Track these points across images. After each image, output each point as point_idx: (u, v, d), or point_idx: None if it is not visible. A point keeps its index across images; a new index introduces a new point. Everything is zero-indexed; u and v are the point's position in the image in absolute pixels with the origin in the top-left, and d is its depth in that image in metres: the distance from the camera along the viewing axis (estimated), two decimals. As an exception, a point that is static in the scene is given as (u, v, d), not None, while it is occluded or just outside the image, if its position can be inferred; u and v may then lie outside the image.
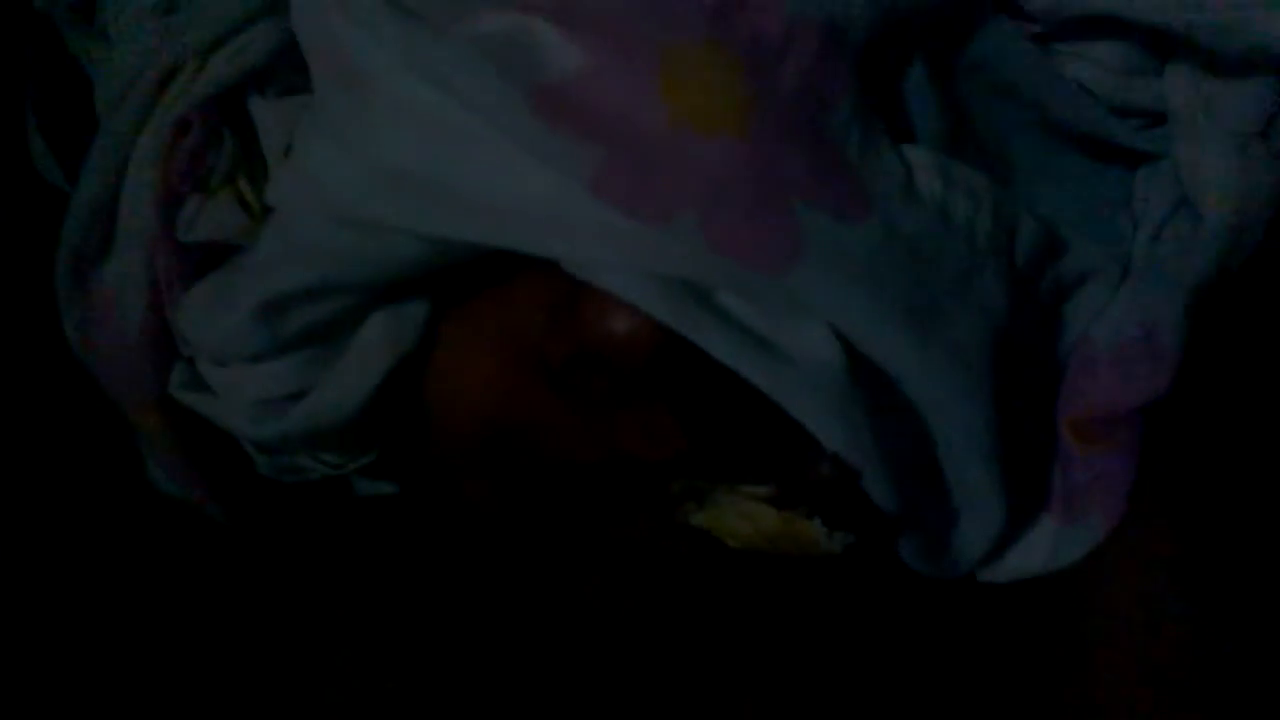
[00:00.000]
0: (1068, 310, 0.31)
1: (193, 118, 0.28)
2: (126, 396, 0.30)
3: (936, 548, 0.29)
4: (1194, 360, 0.30)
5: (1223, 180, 0.29)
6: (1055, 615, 0.33)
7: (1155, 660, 0.31)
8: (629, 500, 0.27)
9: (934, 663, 0.35)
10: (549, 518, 0.28)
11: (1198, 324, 0.30)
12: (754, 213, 0.25)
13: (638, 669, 0.31)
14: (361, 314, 0.28)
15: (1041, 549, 0.31)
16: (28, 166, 0.33)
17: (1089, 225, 0.31)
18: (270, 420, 0.29)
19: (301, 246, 0.27)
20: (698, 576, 0.28)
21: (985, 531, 0.29)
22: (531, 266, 0.26)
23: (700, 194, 0.24)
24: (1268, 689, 0.31)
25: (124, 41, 0.30)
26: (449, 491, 0.30)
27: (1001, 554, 0.31)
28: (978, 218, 0.28)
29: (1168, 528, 0.32)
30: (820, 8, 0.25)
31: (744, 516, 0.27)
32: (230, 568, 0.37)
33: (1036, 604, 0.33)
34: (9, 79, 0.33)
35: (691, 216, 0.24)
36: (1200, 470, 0.33)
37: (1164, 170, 0.31)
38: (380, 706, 0.36)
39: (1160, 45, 0.29)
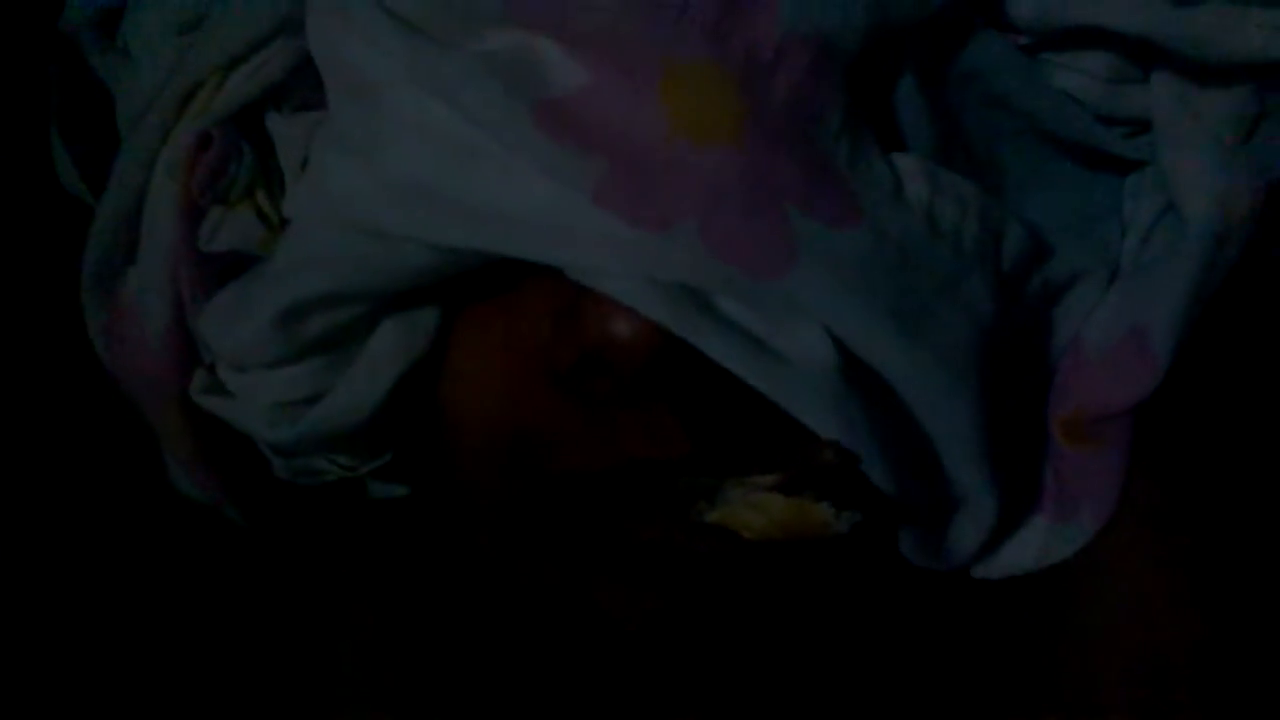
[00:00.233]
0: (1058, 313, 0.31)
1: (213, 133, 0.29)
2: (149, 402, 0.31)
3: (932, 541, 0.30)
4: (1190, 359, 0.30)
5: (1205, 186, 0.29)
6: (1051, 613, 0.33)
7: (1151, 657, 0.31)
8: (640, 503, 0.28)
9: (934, 661, 0.35)
10: (560, 522, 0.29)
11: (1189, 326, 0.30)
12: (750, 220, 0.25)
13: (653, 670, 0.31)
14: (374, 321, 0.29)
15: (1033, 546, 0.32)
16: (53, 182, 0.34)
17: (1079, 230, 0.31)
18: (287, 423, 0.30)
19: (317, 256, 0.28)
20: (715, 574, 0.28)
21: (978, 527, 0.30)
22: (538, 274, 0.27)
23: (698, 203, 0.25)
24: (1266, 686, 0.31)
25: (145, 60, 0.31)
26: (461, 494, 0.31)
27: (995, 550, 0.32)
28: (964, 223, 0.28)
29: (1163, 525, 0.32)
30: (812, 24, 0.26)
31: (755, 508, 0.28)
32: (245, 568, 0.37)
33: (1032, 602, 0.33)
34: (35, 97, 0.34)
35: (690, 224, 0.25)
36: (1195, 466, 0.33)
37: (1151, 176, 0.32)
38: (390, 707, 0.37)
39: (1145, 55, 0.30)
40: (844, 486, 0.27)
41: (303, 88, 0.29)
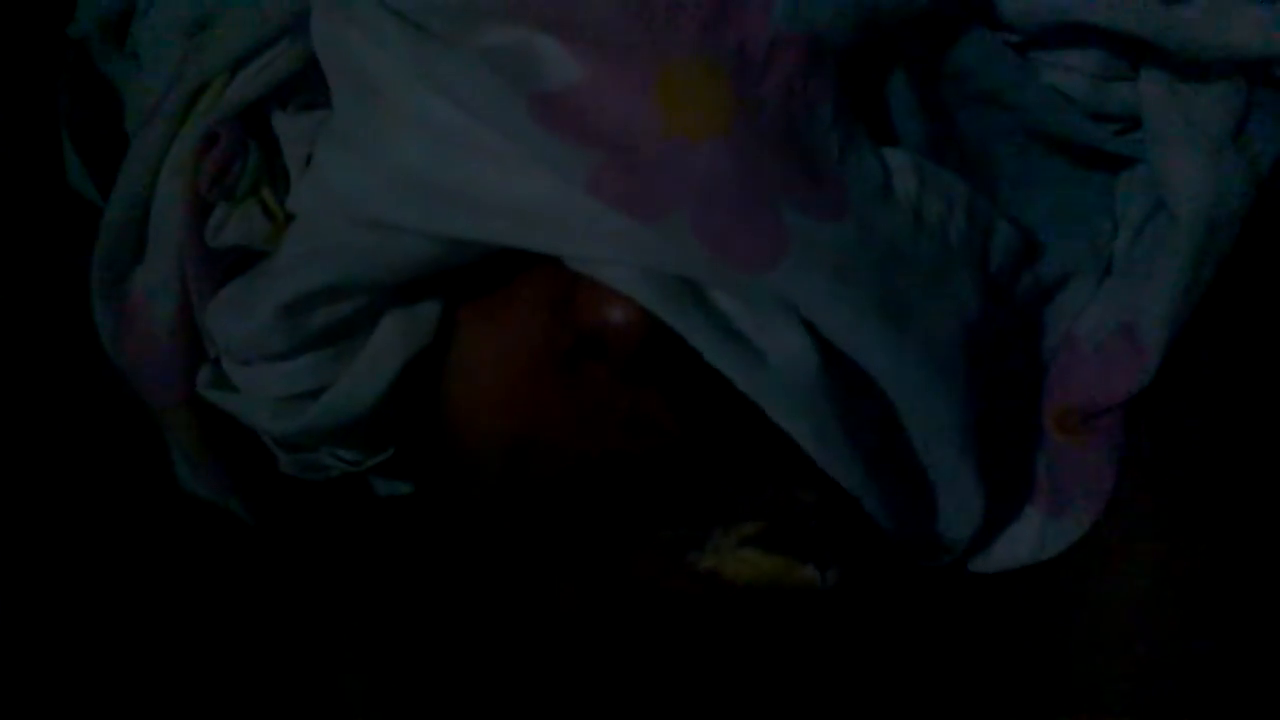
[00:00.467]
0: (1050, 310, 0.32)
1: (220, 131, 0.29)
2: (156, 396, 0.32)
3: (920, 536, 0.30)
4: (1186, 355, 0.31)
5: (1195, 182, 0.30)
6: (1051, 613, 0.33)
7: (1152, 658, 0.32)
8: (634, 542, 0.28)
9: (934, 664, 0.35)
10: (556, 526, 0.29)
11: (1181, 321, 0.30)
12: (741, 212, 0.26)
13: (644, 696, 0.31)
14: (377, 313, 0.29)
15: (1028, 540, 0.32)
16: (63, 183, 0.35)
17: (1070, 228, 0.32)
18: (291, 417, 0.30)
19: (321, 249, 0.28)
20: (703, 615, 0.29)
21: (966, 521, 0.30)
22: (537, 265, 0.27)
23: (690, 194, 0.26)
24: (1257, 684, 0.31)
25: (153, 62, 0.31)
26: (462, 488, 0.31)
27: (989, 545, 0.32)
28: (951, 219, 0.28)
29: (1163, 525, 0.33)
30: (804, 21, 0.26)
31: (742, 560, 0.28)
32: (249, 567, 0.38)
33: (1032, 602, 0.33)
34: (46, 100, 0.35)
35: (682, 216, 0.26)
36: (1194, 466, 0.34)
37: (1143, 173, 0.32)
38: (393, 706, 0.37)
39: (1134, 51, 0.30)
40: (827, 541, 0.28)
41: (308, 86, 0.30)
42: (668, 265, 0.26)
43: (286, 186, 0.30)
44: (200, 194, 0.29)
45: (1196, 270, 0.30)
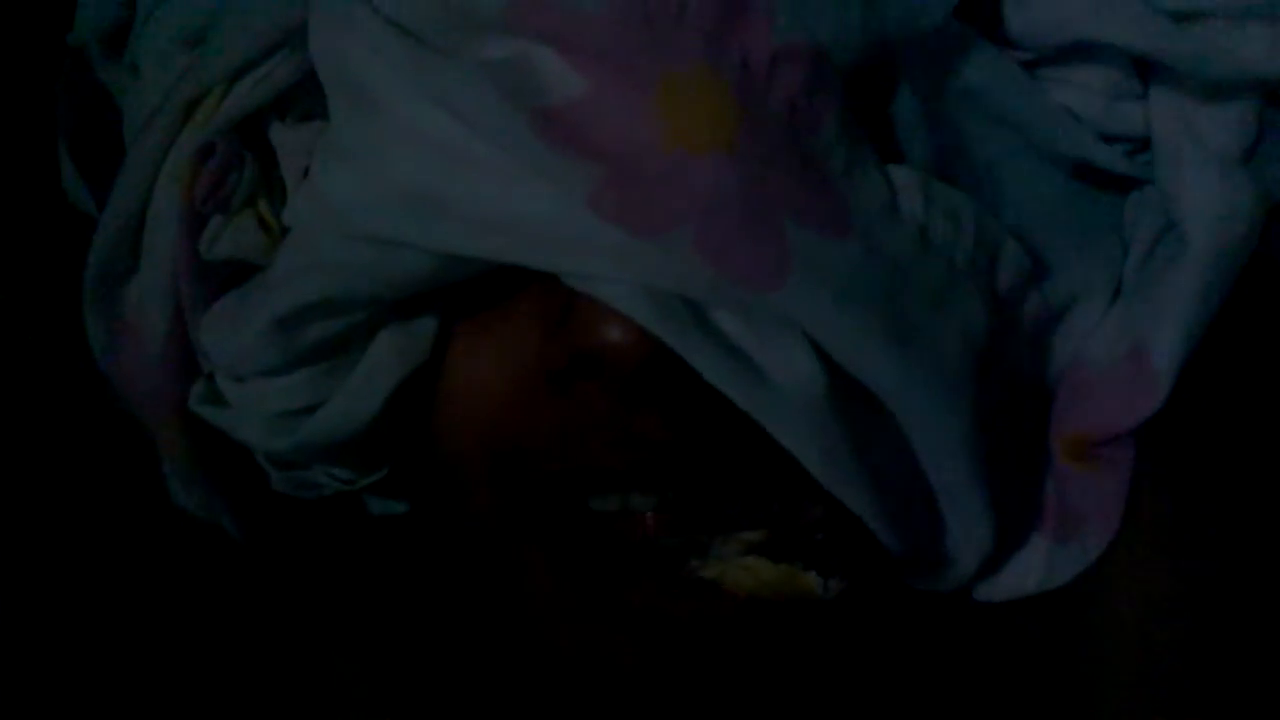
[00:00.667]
0: (1058, 332, 0.31)
1: (216, 142, 0.29)
2: (149, 411, 0.31)
3: (928, 561, 0.29)
4: (1196, 374, 0.30)
5: (1206, 205, 0.29)
6: (1056, 626, 0.33)
7: (1158, 673, 0.31)
8: (628, 560, 0.28)
9: (938, 676, 0.35)
10: (549, 546, 0.29)
11: (1193, 346, 0.30)
12: (745, 229, 0.25)
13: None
14: (373, 329, 0.29)
15: (1035, 568, 0.32)
16: (59, 194, 0.35)
17: (1079, 249, 0.31)
18: (284, 433, 0.30)
19: (316, 263, 0.28)
20: (701, 636, 0.28)
21: (975, 547, 0.29)
22: (534, 281, 0.27)
23: (693, 211, 0.25)
24: (1267, 696, 0.31)
25: (152, 72, 0.31)
26: (454, 505, 0.31)
27: (995, 572, 0.31)
28: (958, 239, 0.28)
29: (1169, 540, 0.32)
30: (808, 35, 0.26)
31: (744, 569, 0.28)
32: (244, 576, 0.37)
33: (1037, 614, 0.33)
34: (43, 110, 0.34)
35: (685, 232, 0.25)
36: (1201, 481, 0.33)
37: (1152, 195, 0.31)
38: (387, 715, 0.37)
39: (1144, 71, 0.30)
40: (831, 551, 0.28)
41: (305, 98, 0.29)
42: (668, 283, 0.25)
43: (283, 199, 0.30)
44: (195, 206, 0.29)
45: (1207, 294, 0.30)
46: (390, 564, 0.38)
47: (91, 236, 0.31)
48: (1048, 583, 0.32)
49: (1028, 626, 0.33)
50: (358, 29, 0.27)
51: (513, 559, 0.30)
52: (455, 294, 0.28)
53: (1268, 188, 0.30)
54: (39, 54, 0.35)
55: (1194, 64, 0.29)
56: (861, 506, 0.26)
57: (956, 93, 0.30)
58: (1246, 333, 0.33)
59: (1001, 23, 0.29)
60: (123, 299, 0.31)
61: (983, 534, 0.29)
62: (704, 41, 0.25)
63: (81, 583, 0.38)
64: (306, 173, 0.29)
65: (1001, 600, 0.32)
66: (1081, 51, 0.29)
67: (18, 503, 0.38)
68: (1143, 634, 0.32)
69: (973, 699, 0.34)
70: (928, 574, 0.30)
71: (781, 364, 0.26)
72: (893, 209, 0.28)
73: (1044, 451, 0.32)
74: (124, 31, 0.33)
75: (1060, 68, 0.30)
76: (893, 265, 0.27)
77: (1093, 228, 0.32)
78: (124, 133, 0.32)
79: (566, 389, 0.27)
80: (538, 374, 0.28)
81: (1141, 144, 0.31)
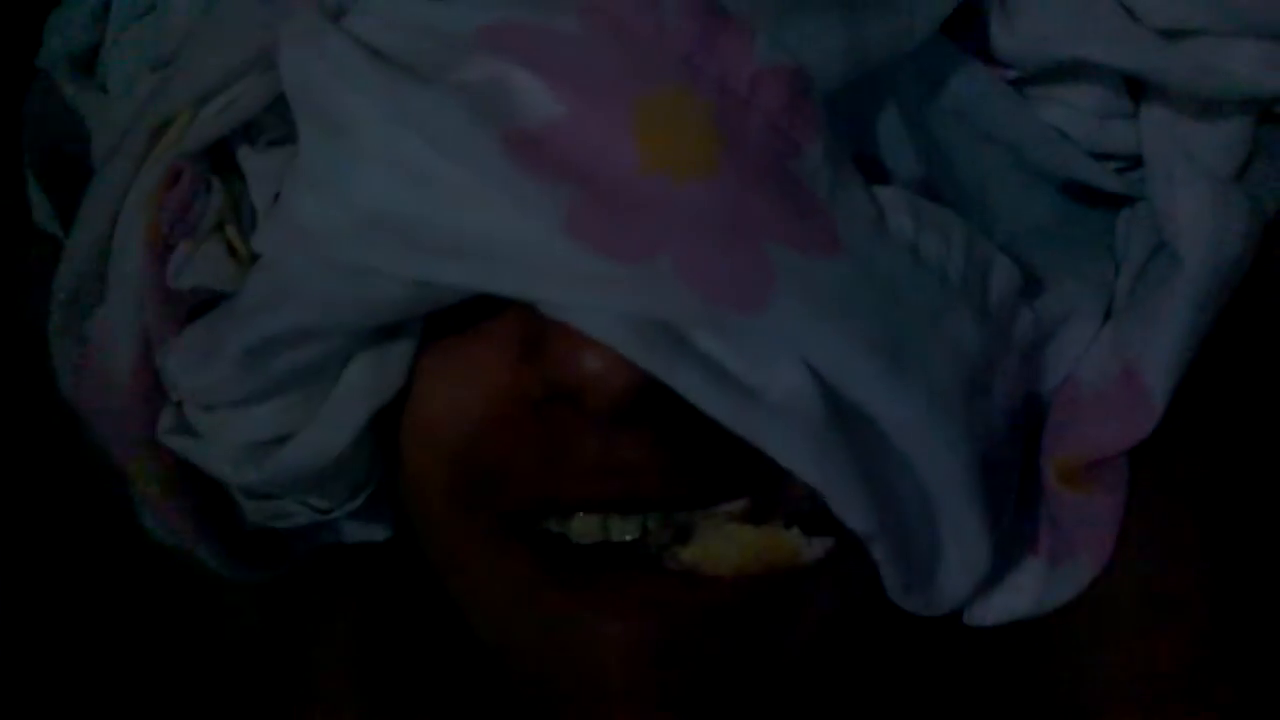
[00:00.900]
0: (1050, 351, 0.31)
1: (183, 167, 0.28)
2: (116, 442, 0.31)
3: (921, 583, 0.29)
4: (1190, 397, 0.30)
5: (1199, 223, 0.29)
6: (1044, 633, 0.33)
7: (1147, 679, 0.31)
8: (607, 551, 0.28)
9: (927, 685, 0.34)
10: (517, 562, 0.28)
11: (1185, 365, 0.29)
12: (726, 252, 0.25)
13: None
14: (345, 357, 0.28)
15: (1029, 590, 0.31)
16: (26, 218, 0.34)
17: (1071, 267, 0.31)
18: (255, 464, 0.29)
19: (287, 291, 0.27)
20: (689, 624, 0.28)
21: (970, 570, 0.29)
22: (510, 306, 0.26)
23: (673, 235, 0.25)
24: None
25: (121, 95, 0.31)
26: (424, 530, 0.30)
27: (988, 595, 0.31)
28: (949, 257, 0.28)
29: (1164, 572, 0.32)
30: (789, 55, 0.26)
31: (726, 539, 0.27)
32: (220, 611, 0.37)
33: (1023, 650, 0.33)
34: (9, 132, 0.34)
35: (664, 257, 0.25)
36: (1199, 510, 0.33)
37: (1144, 212, 0.31)
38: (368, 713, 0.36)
39: (1135, 89, 0.30)
40: (816, 511, 0.27)
41: (276, 122, 0.29)
42: (650, 309, 0.25)
43: (253, 224, 0.30)
44: (162, 233, 0.29)
45: (1201, 312, 0.29)
46: (372, 591, 0.37)
47: (58, 261, 0.30)
48: (1041, 606, 0.31)
49: (1015, 646, 0.33)
50: (328, 51, 0.26)
51: (488, 571, 0.29)
52: (431, 318, 0.28)
53: (1261, 205, 0.30)
54: (6, 75, 0.34)
55: (1185, 82, 0.28)
56: (867, 527, 0.26)
57: (944, 111, 0.29)
58: (1241, 351, 0.32)
59: (989, 41, 0.29)
60: (89, 327, 0.30)
61: (979, 557, 0.29)
62: (683, 63, 0.25)
63: (64, 569, 0.37)
64: (277, 198, 0.29)
65: (993, 624, 0.31)
66: (1071, 70, 0.29)
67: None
68: (1146, 658, 0.31)
69: (959, 695, 0.34)
70: (920, 597, 0.29)
71: (775, 384, 0.25)
72: (881, 228, 0.27)
73: (1035, 471, 0.31)
74: (94, 53, 0.32)
75: (1049, 86, 0.30)
76: (884, 284, 0.27)
77: (1084, 246, 0.31)
78: (93, 157, 0.32)
79: (544, 416, 0.27)
80: (514, 401, 0.27)
81: (1133, 161, 0.31)
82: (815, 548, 0.27)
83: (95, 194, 0.30)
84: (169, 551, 0.33)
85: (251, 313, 0.28)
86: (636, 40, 0.25)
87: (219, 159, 0.29)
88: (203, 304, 0.30)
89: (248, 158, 0.29)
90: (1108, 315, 0.31)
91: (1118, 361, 0.30)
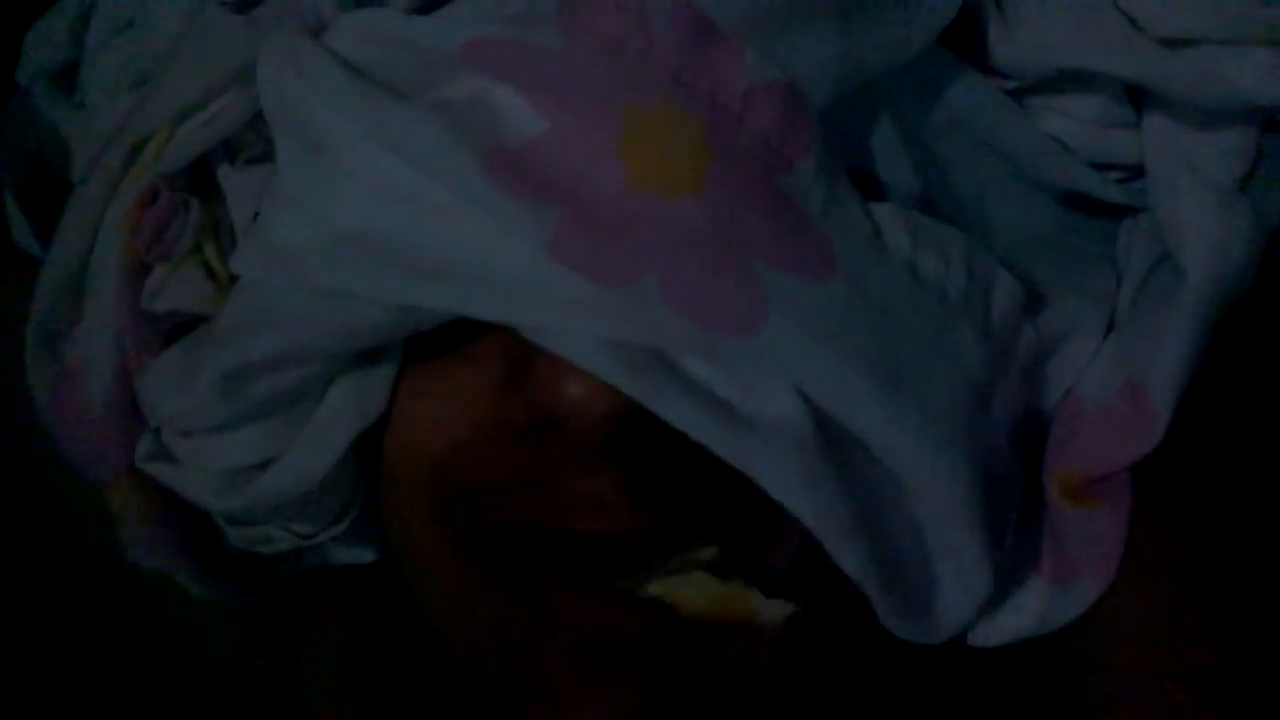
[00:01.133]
0: (1051, 367, 0.30)
1: (160, 187, 0.28)
2: (94, 468, 0.30)
3: (919, 614, 0.28)
4: (1195, 409, 0.29)
5: (1202, 234, 0.28)
6: (1046, 683, 0.32)
7: (1152, 689, 0.31)
8: (574, 572, 0.27)
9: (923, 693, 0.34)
10: (494, 585, 0.28)
11: (1189, 377, 0.29)
12: (717, 275, 0.24)
13: None
14: (326, 381, 0.28)
15: (1033, 610, 0.30)
16: (4, 236, 0.34)
17: (1072, 280, 0.30)
18: (235, 491, 0.29)
19: (265, 315, 0.27)
20: (650, 649, 0.27)
21: (971, 596, 0.28)
22: (493, 328, 0.26)
23: (661, 257, 0.24)
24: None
25: (100, 111, 0.30)
26: (405, 552, 0.30)
27: (992, 616, 0.30)
28: (949, 275, 0.27)
29: (1171, 592, 0.32)
30: (782, 69, 0.25)
31: (690, 583, 0.27)
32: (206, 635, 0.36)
33: (1025, 671, 0.32)
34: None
35: (652, 280, 0.24)
36: (1204, 525, 0.32)
37: (1146, 224, 0.31)
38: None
39: (1136, 98, 0.29)
40: (785, 575, 0.27)
41: (256, 140, 0.28)
42: (636, 335, 0.24)
43: (234, 245, 0.29)
44: (138, 254, 0.28)
45: (1204, 324, 0.29)
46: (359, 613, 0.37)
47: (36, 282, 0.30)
48: (1045, 625, 0.30)
49: (1017, 666, 0.32)
50: (306, 68, 0.26)
51: (454, 584, 0.29)
52: (414, 338, 0.27)
53: (1265, 215, 0.29)
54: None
55: (1188, 91, 0.28)
56: (855, 564, 0.25)
57: (941, 123, 0.29)
58: (1245, 362, 0.32)
59: (987, 51, 0.28)
60: (66, 349, 0.30)
61: (981, 582, 0.28)
62: (671, 78, 0.24)
63: (50, 569, 0.36)
64: (256, 218, 0.28)
65: (997, 645, 0.31)
66: (1071, 79, 0.29)
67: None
68: (1155, 674, 0.31)
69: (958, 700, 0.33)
70: (917, 626, 0.29)
71: (766, 406, 0.24)
72: (878, 247, 0.26)
73: (1038, 489, 0.31)
74: (73, 69, 0.32)
75: (1049, 96, 0.29)
76: (882, 306, 0.26)
77: (1085, 259, 0.31)
78: (71, 173, 0.31)
79: (528, 443, 0.26)
80: (497, 425, 0.27)
81: (1134, 172, 0.30)
82: (774, 611, 0.27)
83: (73, 212, 0.29)
84: (149, 574, 0.33)
85: (229, 336, 0.27)
86: (623, 56, 0.24)
87: (198, 178, 0.29)
88: (182, 326, 0.29)
89: (227, 176, 0.29)
90: (1109, 328, 0.31)
91: (1120, 375, 0.30)
